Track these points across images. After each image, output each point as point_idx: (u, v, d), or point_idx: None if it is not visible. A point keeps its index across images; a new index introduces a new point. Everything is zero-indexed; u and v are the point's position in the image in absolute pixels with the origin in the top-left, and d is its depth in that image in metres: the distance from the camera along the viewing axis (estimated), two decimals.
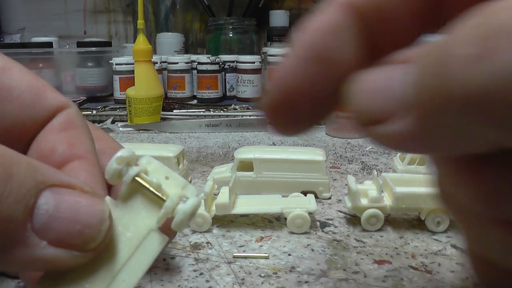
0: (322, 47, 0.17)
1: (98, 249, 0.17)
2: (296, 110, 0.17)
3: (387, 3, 0.17)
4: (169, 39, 1.25)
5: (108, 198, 0.19)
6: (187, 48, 1.33)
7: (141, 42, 0.75)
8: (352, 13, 0.17)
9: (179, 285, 0.28)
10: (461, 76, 0.14)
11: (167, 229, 0.19)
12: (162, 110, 0.81)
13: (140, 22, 0.74)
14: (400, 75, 0.16)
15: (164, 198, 0.19)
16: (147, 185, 0.19)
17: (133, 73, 0.78)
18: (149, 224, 0.19)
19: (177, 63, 1.01)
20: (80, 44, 1.14)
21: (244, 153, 0.44)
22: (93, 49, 1.10)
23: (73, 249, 0.17)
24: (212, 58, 1.00)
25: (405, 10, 0.18)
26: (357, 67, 0.17)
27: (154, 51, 1.08)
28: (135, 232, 0.19)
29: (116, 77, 0.99)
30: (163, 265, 0.31)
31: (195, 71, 1.03)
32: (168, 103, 0.93)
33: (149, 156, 0.20)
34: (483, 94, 0.13)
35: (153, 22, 1.38)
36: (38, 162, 0.17)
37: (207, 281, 0.29)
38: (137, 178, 0.19)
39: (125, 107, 0.81)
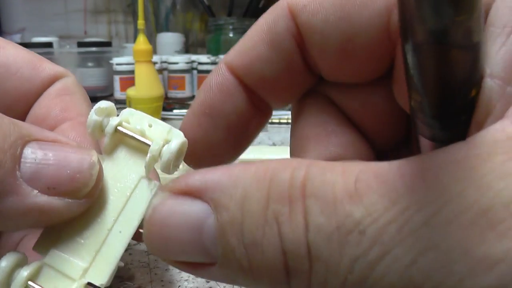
0: (208, 102, 0.20)
1: (92, 196, 0.17)
2: (200, 157, 0.21)
3: (260, 68, 0.20)
4: (169, 39, 1.25)
5: (93, 151, 0.18)
6: (188, 48, 1.33)
7: (141, 42, 0.75)
8: (233, 73, 0.20)
9: (179, 286, 0.28)
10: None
11: (156, 177, 0.19)
12: (163, 110, 0.81)
13: (140, 22, 0.74)
14: (211, 223, 0.13)
15: (148, 143, 0.18)
16: (131, 133, 0.18)
17: (133, 73, 0.78)
18: (137, 172, 0.18)
19: (177, 63, 1.01)
20: (80, 44, 1.14)
21: (244, 153, 0.44)
22: (94, 49, 1.10)
23: (66, 196, 0.16)
24: (212, 58, 1.00)
25: (280, 75, 0.20)
26: (245, 117, 0.21)
27: (154, 51, 1.08)
28: (125, 183, 0.18)
29: (116, 77, 0.99)
30: (164, 265, 0.31)
31: (195, 71, 1.02)
32: (169, 103, 0.93)
33: (130, 108, 0.20)
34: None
35: (153, 22, 1.38)
36: (21, 122, 0.17)
37: (207, 281, 0.29)
38: (119, 128, 0.18)
39: (125, 107, 0.81)
